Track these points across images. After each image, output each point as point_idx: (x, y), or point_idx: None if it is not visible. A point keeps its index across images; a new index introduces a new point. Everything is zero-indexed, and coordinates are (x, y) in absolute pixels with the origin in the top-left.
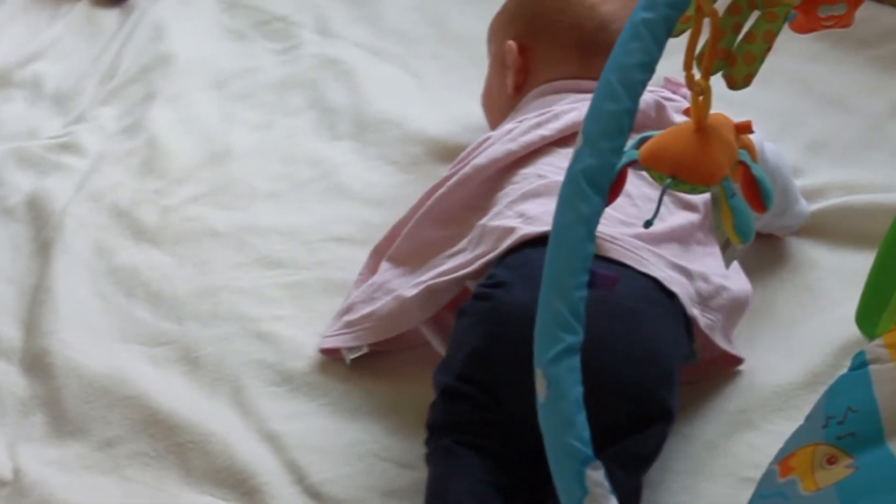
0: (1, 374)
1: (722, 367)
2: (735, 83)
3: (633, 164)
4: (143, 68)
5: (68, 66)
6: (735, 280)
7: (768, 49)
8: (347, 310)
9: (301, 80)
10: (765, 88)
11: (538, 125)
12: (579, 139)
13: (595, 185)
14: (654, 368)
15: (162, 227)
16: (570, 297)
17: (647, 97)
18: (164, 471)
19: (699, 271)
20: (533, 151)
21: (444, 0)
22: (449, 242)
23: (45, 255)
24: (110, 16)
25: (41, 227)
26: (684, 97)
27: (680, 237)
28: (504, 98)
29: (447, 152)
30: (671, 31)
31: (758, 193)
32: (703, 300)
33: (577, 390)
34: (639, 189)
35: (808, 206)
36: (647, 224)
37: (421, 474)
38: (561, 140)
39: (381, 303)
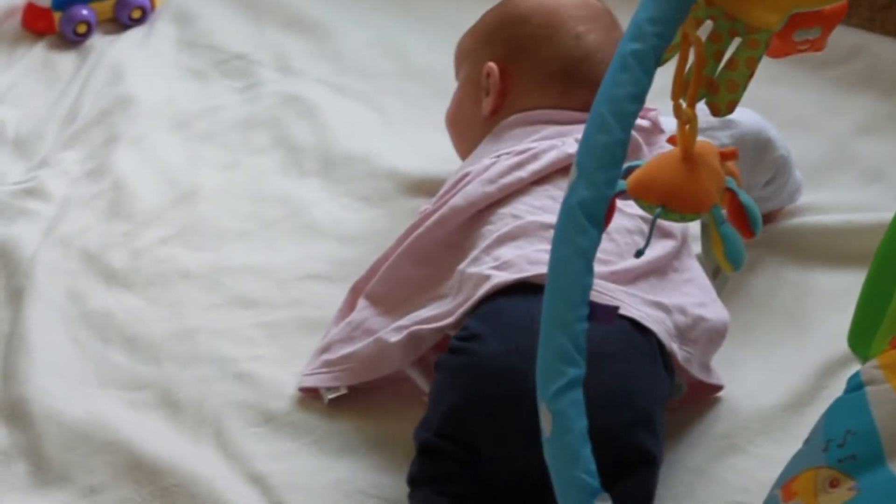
0: None
1: (702, 395)
2: (718, 110)
3: (620, 194)
4: (104, 111)
5: (27, 111)
6: (712, 309)
7: (751, 75)
8: (326, 348)
9: (264, 119)
10: None
11: (518, 166)
12: (573, 171)
13: (591, 217)
14: (626, 412)
15: (133, 270)
16: (571, 331)
17: None
18: None
19: (676, 304)
20: (508, 194)
21: (405, 35)
22: (427, 281)
23: (16, 302)
24: (67, 59)
25: (11, 273)
26: (652, 121)
27: (658, 268)
28: (477, 120)
29: (417, 186)
30: (659, 62)
31: (746, 220)
32: (681, 333)
33: (583, 423)
34: (615, 222)
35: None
36: (639, 254)
37: None
38: (538, 180)
39: (362, 344)
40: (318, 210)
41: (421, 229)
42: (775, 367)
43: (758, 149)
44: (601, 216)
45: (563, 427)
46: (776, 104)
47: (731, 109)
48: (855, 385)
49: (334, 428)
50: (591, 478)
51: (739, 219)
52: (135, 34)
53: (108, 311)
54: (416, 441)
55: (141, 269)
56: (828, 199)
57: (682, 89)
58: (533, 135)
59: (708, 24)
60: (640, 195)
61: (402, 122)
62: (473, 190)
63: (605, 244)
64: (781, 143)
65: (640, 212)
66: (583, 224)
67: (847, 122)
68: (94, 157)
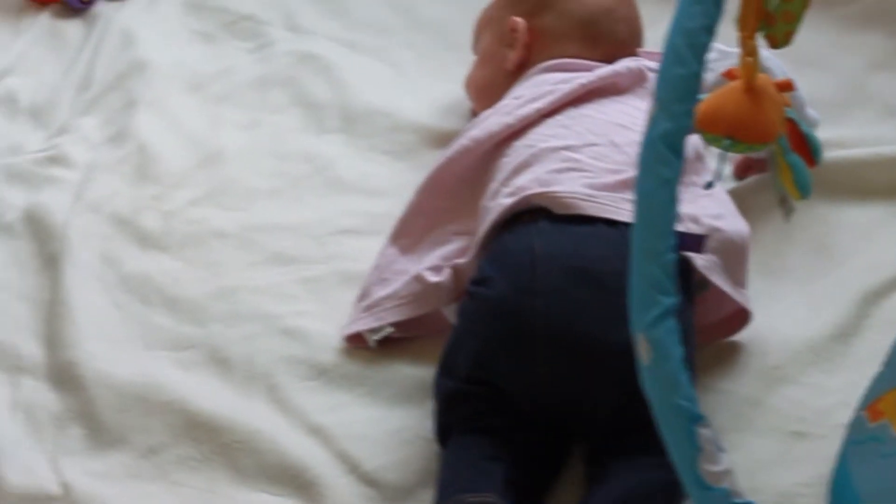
0: (29, 391)
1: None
2: (776, 42)
3: None
4: (119, 76)
5: (39, 80)
6: (730, 221)
7: (806, 6)
8: (363, 296)
9: (280, 78)
10: None
11: (534, 99)
12: (653, 104)
13: (673, 148)
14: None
15: (166, 233)
16: (662, 260)
17: (631, 64)
18: (213, 473)
19: (689, 213)
20: (527, 124)
21: None
22: (445, 215)
23: (53, 269)
24: (74, 27)
25: (44, 241)
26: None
27: None
28: (500, 77)
29: (440, 138)
30: None
31: (807, 149)
32: None
33: (680, 351)
34: (625, 136)
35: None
36: (708, 186)
37: None
38: (553, 111)
39: (400, 283)
40: (343, 165)
41: (442, 161)
42: (817, 299)
43: None
44: (682, 147)
45: (661, 355)
46: None
47: (788, 41)
48: None
49: (386, 377)
50: (691, 404)
51: (801, 148)
52: (139, 0)
53: (145, 273)
54: (439, 391)
55: (174, 231)
56: (849, 134)
57: (746, 22)
58: (551, 81)
59: None
60: (707, 128)
61: (417, 75)
62: (492, 122)
63: (616, 156)
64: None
65: None
66: (665, 155)
67: (859, 60)
68: (114, 122)
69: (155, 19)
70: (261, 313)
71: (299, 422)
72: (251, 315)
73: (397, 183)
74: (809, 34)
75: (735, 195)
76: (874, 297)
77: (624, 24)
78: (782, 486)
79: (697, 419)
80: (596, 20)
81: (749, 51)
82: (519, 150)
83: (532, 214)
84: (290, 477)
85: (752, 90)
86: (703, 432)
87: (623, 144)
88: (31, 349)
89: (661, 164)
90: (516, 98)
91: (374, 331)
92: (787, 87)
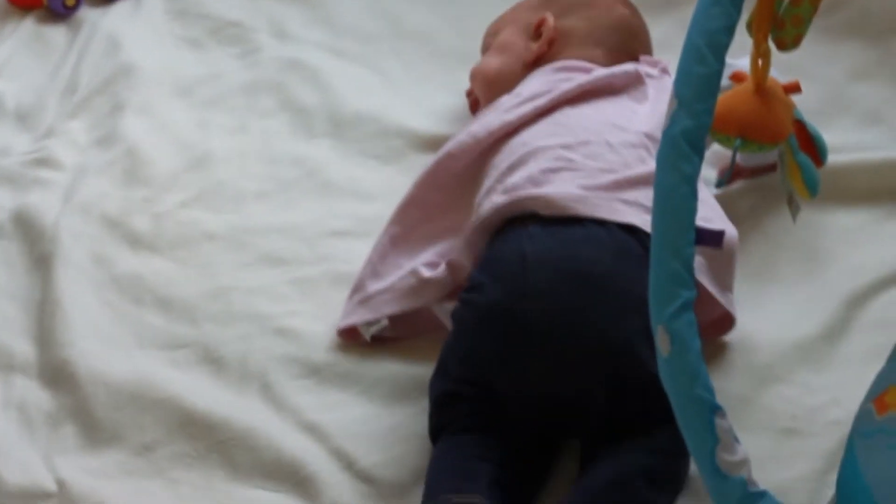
0: (22, 389)
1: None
2: (785, 45)
3: None
4: (106, 80)
5: (24, 84)
6: (717, 225)
7: (814, 11)
8: (357, 289)
9: (267, 84)
10: None
11: (533, 97)
12: (673, 101)
13: (693, 145)
14: (635, 320)
15: (157, 234)
16: (682, 254)
17: (629, 66)
18: (209, 469)
19: None
20: (523, 122)
21: None
22: (438, 209)
23: (44, 269)
24: (58, 32)
25: (34, 241)
26: (663, 70)
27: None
28: (518, 66)
29: (429, 143)
30: None
31: (814, 149)
32: None
33: (698, 343)
34: (620, 137)
35: None
36: (719, 184)
37: None
38: (549, 109)
39: (396, 277)
40: (333, 169)
41: (440, 155)
42: (803, 302)
43: None
44: (702, 144)
45: (680, 347)
46: (771, 52)
47: (797, 44)
48: None
49: (379, 376)
50: (709, 394)
51: (809, 148)
52: (124, 6)
53: (137, 274)
54: (432, 393)
55: (165, 233)
56: (832, 141)
57: (760, 25)
58: (553, 80)
59: None
60: (719, 129)
61: (404, 83)
62: (492, 119)
63: (610, 156)
64: None
65: (644, 128)
66: (686, 152)
67: (840, 69)
68: (102, 125)
69: (140, 25)
70: (253, 313)
71: (294, 419)
72: (244, 315)
73: (387, 187)
74: None
75: (722, 200)
76: (859, 299)
77: (643, 38)
78: (775, 481)
79: (716, 409)
80: (617, 31)
81: (761, 53)
82: (514, 148)
83: (523, 220)
84: (286, 473)
85: (763, 91)
86: (721, 423)
87: (617, 144)
88: (23, 348)
89: (683, 160)
90: (516, 95)
91: (369, 324)
92: (794, 88)
